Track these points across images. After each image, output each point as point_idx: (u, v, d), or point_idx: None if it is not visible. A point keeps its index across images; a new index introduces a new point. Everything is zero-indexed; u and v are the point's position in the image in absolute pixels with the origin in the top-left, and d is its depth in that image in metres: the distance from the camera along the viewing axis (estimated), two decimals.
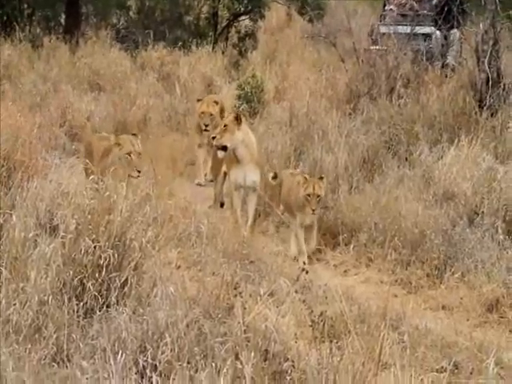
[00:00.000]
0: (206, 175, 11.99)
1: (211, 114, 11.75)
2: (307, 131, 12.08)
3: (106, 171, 8.22)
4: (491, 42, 12.11)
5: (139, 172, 8.90)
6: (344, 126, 12.02)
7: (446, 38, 16.19)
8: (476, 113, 11.87)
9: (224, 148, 9.40)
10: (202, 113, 11.84)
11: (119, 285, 6.28)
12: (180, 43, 18.57)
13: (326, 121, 12.26)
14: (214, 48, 18.92)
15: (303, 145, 11.48)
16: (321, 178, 9.01)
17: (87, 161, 9.08)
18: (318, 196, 8.81)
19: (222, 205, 10.56)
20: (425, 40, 16.04)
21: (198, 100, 12.21)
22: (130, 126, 13.35)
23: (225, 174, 10.18)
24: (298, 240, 9.08)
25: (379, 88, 13.42)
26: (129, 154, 8.88)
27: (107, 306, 5.94)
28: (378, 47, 15.20)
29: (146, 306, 5.92)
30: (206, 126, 11.66)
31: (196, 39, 19.16)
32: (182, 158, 12.16)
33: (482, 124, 11.55)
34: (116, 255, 6.43)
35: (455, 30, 16.31)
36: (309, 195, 8.78)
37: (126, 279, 6.40)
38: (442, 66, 15.22)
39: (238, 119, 9.43)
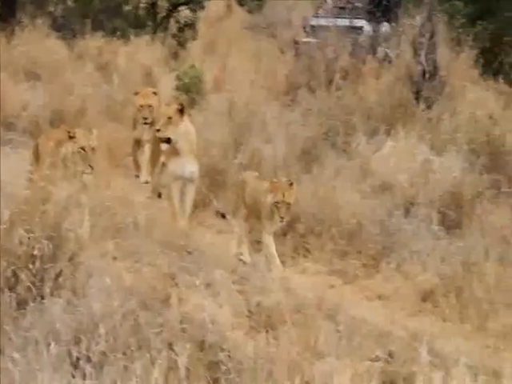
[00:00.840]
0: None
1: (150, 106, 11.32)
2: (246, 122, 12.06)
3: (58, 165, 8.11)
4: (428, 35, 12.23)
5: (92, 168, 8.80)
6: (283, 117, 12.04)
7: (375, 31, 16.12)
8: (413, 105, 11.97)
9: (168, 140, 9.31)
10: (141, 106, 11.34)
11: (54, 276, 6.19)
12: (118, 33, 18.33)
13: (265, 112, 12.26)
14: (153, 38, 18.75)
15: (242, 136, 11.44)
16: (290, 184, 8.41)
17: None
18: (288, 204, 8.27)
19: (159, 195, 10.50)
20: (358, 33, 15.89)
21: (136, 93, 11.67)
22: (67, 115, 13.16)
23: (163, 164, 10.11)
24: (268, 247, 8.54)
25: (318, 80, 13.45)
26: (83, 148, 8.76)
27: (41, 297, 5.85)
28: (311, 39, 15.29)
29: (81, 297, 5.86)
30: (146, 118, 11.26)
31: (135, 29, 18.95)
32: (120, 148, 12.02)
33: (418, 116, 11.66)
34: (51, 246, 6.35)
35: (386, 24, 16.27)
36: (277, 203, 8.24)
37: (61, 270, 6.33)
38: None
39: (181, 111, 9.34)
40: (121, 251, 7.96)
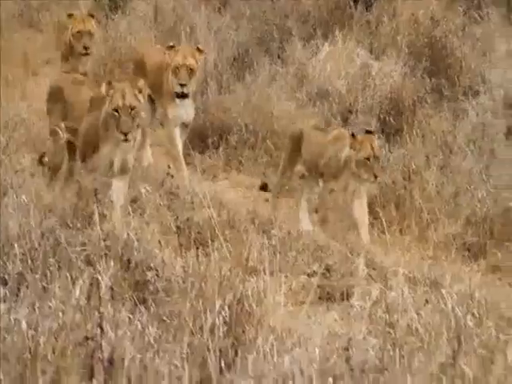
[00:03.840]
0: None
1: (90, 33, 9.93)
2: (173, 28, 11.90)
3: None
4: None
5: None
6: (213, 22, 11.86)
7: None
8: (351, 7, 11.89)
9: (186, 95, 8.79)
10: (78, 32, 9.84)
11: None
12: None
13: (193, 17, 12.06)
14: None
15: (169, 42, 11.26)
16: (369, 133, 7.52)
17: None
18: (378, 158, 7.32)
19: None
20: None
21: (70, 16, 10.15)
22: None
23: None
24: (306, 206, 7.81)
25: None
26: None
27: None
28: None
29: None
30: (87, 48, 9.82)
31: None
32: (37, 56, 11.72)
33: (356, 19, 11.61)
34: None
35: None
36: (368, 159, 7.23)
37: None
38: None
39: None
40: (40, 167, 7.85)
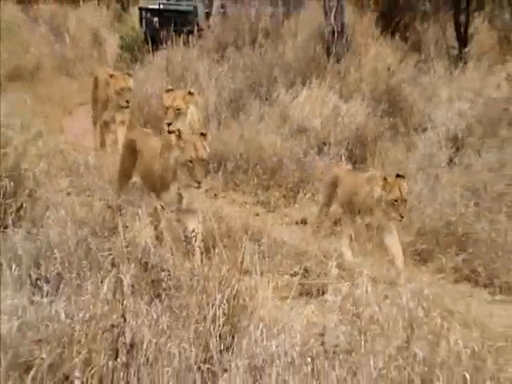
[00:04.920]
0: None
1: (130, 89, 9.70)
2: (182, 76, 11.92)
3: None
4: (336, 0, 12.14)
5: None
6: (213, 71, 11.90)
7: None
8: (324, 60, 11.92)
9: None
10: (121, 89, 9.54)
11: (15, 209, 6.12)
12: None
13: (197, 67, 12.10)
14: (99, 3, 18.27)
15: (178, 87, 11.28)
16: (400, 177, 6.83)
17: None
18: (405, 200, 6.75)
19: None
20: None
21: (111, 76, 9.72)
22: (24, 71, 12.84)
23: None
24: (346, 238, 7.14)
25: (243, 39, 13.29)
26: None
27: (4, 228, 5.72)
28: None
29: (40, 227, 5.74)
30: (128, 102, 9.63)
31: None
32: (72, 99, 11.74)
33: (329, 69, 11.61)
34: (12, 183, 6.24)
35: None
36: (396, 200, 6.67)
37: (21, 204, 6.24)
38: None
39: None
40: (74, 188, 7.86)
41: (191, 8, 14.93)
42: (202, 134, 6.45)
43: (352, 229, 7.11)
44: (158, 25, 14.72)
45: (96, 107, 10.06)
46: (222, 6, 14.99)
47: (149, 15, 15.01)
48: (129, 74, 9.94)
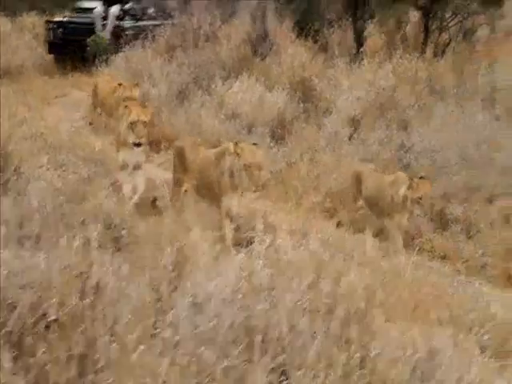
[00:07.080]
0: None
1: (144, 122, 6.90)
2: (139, 72, 11.68)
3: None
4: (261, 11, 12.04)
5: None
6: (164, 68, 11.69)
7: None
8: (252, 58, 11.85)
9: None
10: (133, 123, 6.69)
11: (3, 182, 5.88)
12: (47, 11, 17.06)
13: (152, 65, 11.86)
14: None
15: (136, 81, 11.05)
16: (422, 178, 6.22)
17: None
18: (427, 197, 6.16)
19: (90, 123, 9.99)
20: (92, 13, 14.36)
21: (119, 84, 8.57)
22: (13, 69, 12.51)
23: None
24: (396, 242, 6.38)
25: (188, 42, 13.07)
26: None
27: None
28: None
29: (24, 196, 5.55)
30: (142, 137, 6.72)
31: (58, 8, 17.62)
32: (51, 93, 11.41)
33: (256, 65, 11.56)
34: (1, 161, 6.01)
35: (116, 5, 14.46)
36: (420, 198, 6.11)
37: (9, 178, 6.00)
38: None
39: None
40: (53, 164, 7.61)
41: (90, 19, 14.28)
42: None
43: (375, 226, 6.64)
44: (61, 35, 14.12)
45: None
46: (117, 19, 14.41)
47: (55, 26, 14.40)
48: (136, 85, 8.93)
